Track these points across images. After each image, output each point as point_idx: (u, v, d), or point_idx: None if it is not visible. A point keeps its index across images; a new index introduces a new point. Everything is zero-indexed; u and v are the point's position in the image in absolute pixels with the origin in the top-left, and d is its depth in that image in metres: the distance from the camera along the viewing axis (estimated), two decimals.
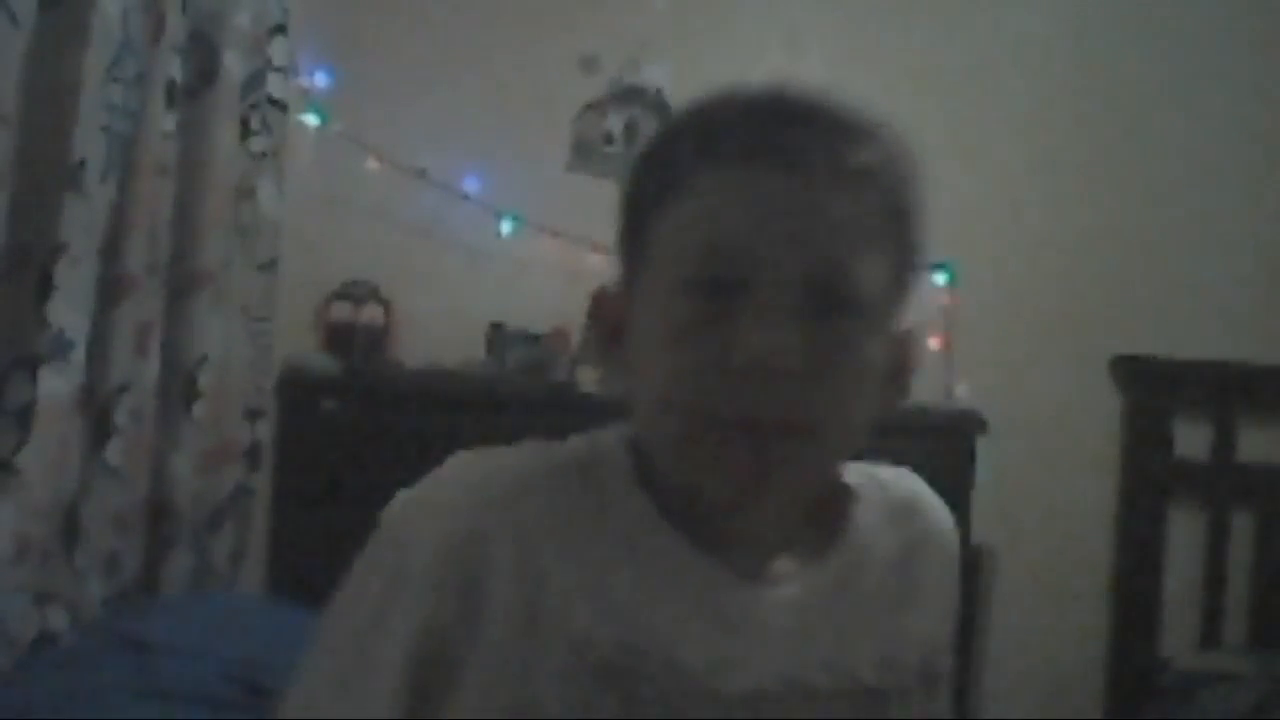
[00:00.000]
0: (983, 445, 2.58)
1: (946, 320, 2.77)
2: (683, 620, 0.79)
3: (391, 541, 0.81)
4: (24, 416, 1.67)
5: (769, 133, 0.78)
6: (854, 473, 0.90)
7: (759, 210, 0.77)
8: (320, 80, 2.71)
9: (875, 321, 0.80)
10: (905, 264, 0.82)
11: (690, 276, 0.77)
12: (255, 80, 2.32)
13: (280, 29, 2.40)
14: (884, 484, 0.91)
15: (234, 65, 2.22)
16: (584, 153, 2.79)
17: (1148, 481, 2.82)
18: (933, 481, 1.00)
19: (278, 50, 2.39)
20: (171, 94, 2.00)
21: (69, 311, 1.73)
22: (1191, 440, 2.83)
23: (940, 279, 2.79)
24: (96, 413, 1.89)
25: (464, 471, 0.82)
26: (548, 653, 0.77)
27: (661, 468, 0.82)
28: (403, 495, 0.82)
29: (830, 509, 0.88)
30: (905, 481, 0.93)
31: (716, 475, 0.78)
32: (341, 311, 2.67)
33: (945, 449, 2.50)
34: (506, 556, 0.77)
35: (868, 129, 0.81)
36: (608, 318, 0.86)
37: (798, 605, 0.83)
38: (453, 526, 0.78)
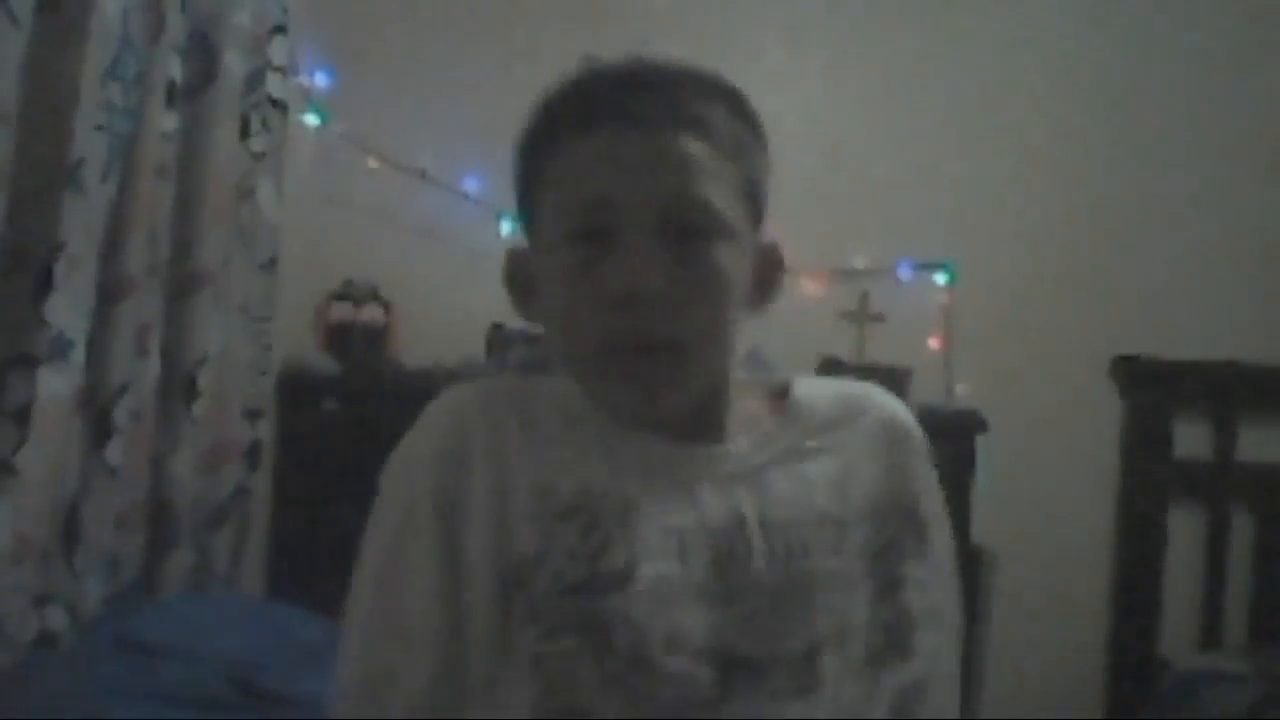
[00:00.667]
0: (983, 445, 2.58)
1: (946, 320, 2.77)
2: (633, 473, 0.94)
3: (403, 449, 0.98)
4: (23, 416, 1.67)
5: (617, 99, 0.92)
6: (808, 377, 1.05)
7: (615, 165, 0.91)
8: (320, 80, 2.72)
9: (730, 240, 0.93)
10: (751, 191, 0.96)
11: (570, 230, 0.92)
12: (255, 80, 2.32)
13: (280, 29, 2.40)
14: (837, 381, 1.06)
15: (234, 65, 2.22)
16: None
17: (1148, 481, 2.82)
18: None
19: (278, 50, 2.39)
20: (171, 94, 2.00)
21: (68, 311, 1.73)
22: (1191, 440, 2.83)
23: (940, 279, 2.79)
24: (96, 413, 1.89)
25: (446, 394, 1.00)
26: (517, 501, 0.92)
27: (583, 389, 0.97)
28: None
29: (774, 398, 1.02)
30: (860, 383, 1.07)
31: (619, 392, 0.94)
32: (341, 311, 2.67)
33: (945, 449, 2.48)
34: (482, 435, 0.94)
35: (703, 84, 0.95)
36: (520, 275, 1.01)
37: (746, 456, 0.97)
38: (443, 422, 0.96)
